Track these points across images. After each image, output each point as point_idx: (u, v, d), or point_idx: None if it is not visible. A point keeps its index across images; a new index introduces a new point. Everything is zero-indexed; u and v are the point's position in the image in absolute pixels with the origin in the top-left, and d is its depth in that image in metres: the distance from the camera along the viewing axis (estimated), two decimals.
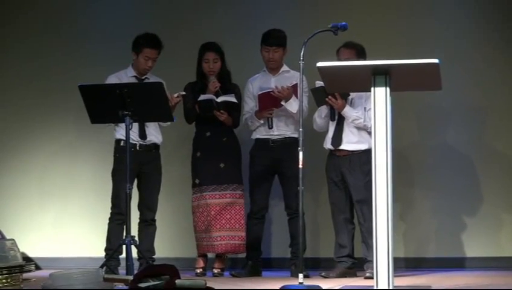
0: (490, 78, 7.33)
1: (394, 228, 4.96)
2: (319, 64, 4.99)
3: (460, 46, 7.33)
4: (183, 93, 6.56)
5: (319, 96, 6.42)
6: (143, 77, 6.68)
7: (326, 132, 6.60)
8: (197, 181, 6.78)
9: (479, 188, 7.32)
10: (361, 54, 6.49)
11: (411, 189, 7.35)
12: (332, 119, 6.54)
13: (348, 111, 6.46)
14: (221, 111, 6.64)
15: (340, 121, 6.53)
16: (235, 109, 6.75)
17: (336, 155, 6.54)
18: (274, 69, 6.82)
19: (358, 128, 6.49)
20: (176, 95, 6.45)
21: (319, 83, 6.25)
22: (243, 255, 6.89)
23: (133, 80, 6.61)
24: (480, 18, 7.38)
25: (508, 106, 7.33)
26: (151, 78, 6.68)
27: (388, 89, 4.92)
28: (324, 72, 5.11)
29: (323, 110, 6.57)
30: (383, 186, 4.92)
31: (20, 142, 7.86)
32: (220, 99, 6.63)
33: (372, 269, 5.01)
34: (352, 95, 6.49)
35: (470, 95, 7.35)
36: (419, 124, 7.45)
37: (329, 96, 6.36)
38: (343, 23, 5.69)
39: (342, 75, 5.15)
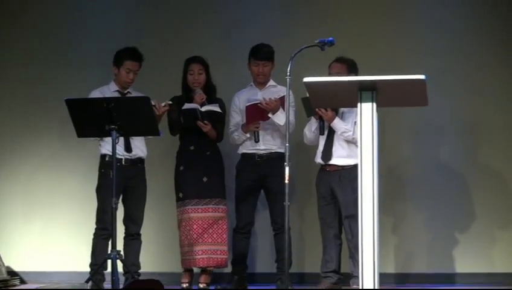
0: (482, 93, 7.36)
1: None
2: (306, 79, 4.99)
3: (453, 61, 7.36)
4: (170, 102, 6.57)
5: (309, 106, 6.41)
6: (125, 91, 6.69)
7: (317, 146, 6.61)
8: (180, 195, 6.78)
9: (472, 204, 7.33)
10: (352, 69, 6.52)
11: (404, 203, 7.35)
12: (322, 133, 6.54)
13: (337, 123, 6.47)
14: (205, 122, 6.65)
15: (330, 135, 6.54)
16: (219, 120, 6.75)
17: (326, 170, 6.55)
18: (262, 83, 6.84)
19: (348, 142, 6.50)
20: (163, 104, 6.47)
21: None
22: (229, 269, 6.88)
23: (116, 95, 6.61)
24: (472, 34, 7.41)
25: (500, 122, 7.36)
26: (133, 93, 6.69)
27: (375, 104, 4.93)
28: (311, 87, 5.10)
29: (313, 123, 6.59)
30: (369, 202, 4.91)
31: (5, 154, 7.82)
32: (204, 108, 6.64)
33: (358, 284, 5.01)
34: (343, 108, 6.51)
35: (462, 110, 7.37)
36: (411, 139, 7.46)
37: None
38: (330, 38, 5.70)
39: (328, 91, 5.14)
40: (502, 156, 7.34)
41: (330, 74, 6.48)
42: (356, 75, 6.44)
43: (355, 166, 6.40)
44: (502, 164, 7.35)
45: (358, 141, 4.98)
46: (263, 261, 7.38)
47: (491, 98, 7.36)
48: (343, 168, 6.51)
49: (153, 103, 6.18)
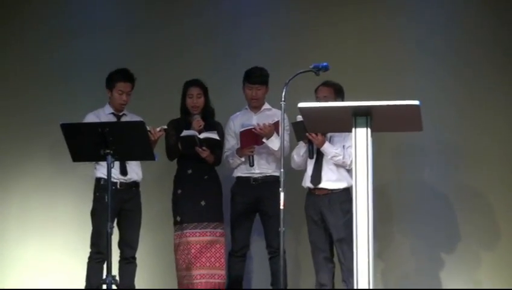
0: (467, 118, 7.37)
1: (374, 267, 4.97)
2: (300, 104, 5.00)
3: (439, 87, 7.38)
4: (165, 127, 6.56)
5: (299, 131, 6.41)
6: (120, 114, 6.70)
7: (305, 170, 6.62)
8: (178, 219, 6.77)
9: (457, 226, 7.34)
10: (339, 93, 6.54)
11: (390, 227, 7.34)
12: (311, 157, 6.55)
13: (327, 147, 6.48)
14: (204, 148, 6.66)
15: (319, 159, 6.55)
16: (217, 146, 6.76)
17: (315, 194, 6.56)
18: (256, 107, 6.85)
19: (337, 165, 6.52)
20: (158, 129, 6.46)
21: (300, 118, 6.26)
22: None
23: (111, 117, 6.62)
24: (460, 58, 7.43)
25: (484, 146, 7.36)
26: (129, 115, 6.70)
27: (369, 129, 4.94)
28: (305, 112, 5.12)
29: (302, 148, 6.60)
30: (364, 226, 4.93)
31: None
32: (202, 135, 6.64)
33: None
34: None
35: (447, 134, 7.38)
36: (397, 163, 7.47)
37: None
38: (325, 63, 5.71)
39: (323, 116, 5.16)
40: (486, 177, 7.34)
41: (317, 98, 6.51)
42: (342, 99, 6.47)
43: (345, 189, 6.48)
44: (486, 185, 7.35)
45: (353, 165, 5.00)
46: (258, 284, 7.36)
47: (475, 119, 7.38)
48: (332, 191, 6.51)
49: (148, 129, 6.18)
